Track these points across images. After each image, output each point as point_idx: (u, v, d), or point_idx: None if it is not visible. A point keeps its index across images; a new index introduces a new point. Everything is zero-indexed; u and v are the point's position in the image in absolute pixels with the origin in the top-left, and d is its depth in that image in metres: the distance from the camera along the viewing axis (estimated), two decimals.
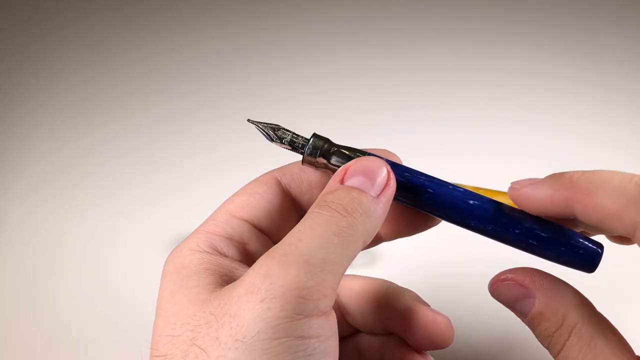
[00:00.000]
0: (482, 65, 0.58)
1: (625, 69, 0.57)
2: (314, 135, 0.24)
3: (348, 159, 0.23)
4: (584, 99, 0.54)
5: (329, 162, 0.24)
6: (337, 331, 0.20)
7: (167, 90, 0.56)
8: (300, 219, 0.21)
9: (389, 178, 0.22)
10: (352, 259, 0.20)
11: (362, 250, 0.22)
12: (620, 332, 0.21)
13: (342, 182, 0.22)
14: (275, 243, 0.20)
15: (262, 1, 0.66)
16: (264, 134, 0.24)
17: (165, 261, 0.22)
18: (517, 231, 0.22)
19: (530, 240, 0.22)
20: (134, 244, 0.42)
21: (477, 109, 0.52)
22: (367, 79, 0.57)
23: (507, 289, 0.23)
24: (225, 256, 0.22)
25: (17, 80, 0.57)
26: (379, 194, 0.21)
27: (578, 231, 0.23)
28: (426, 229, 0.26)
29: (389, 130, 0.51)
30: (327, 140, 0.24)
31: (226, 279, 0.20)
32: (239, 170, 0.43)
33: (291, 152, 0.24)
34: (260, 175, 0.25)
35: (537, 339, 0.22)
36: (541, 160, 0.48)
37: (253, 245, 0.22)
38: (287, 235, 0.20)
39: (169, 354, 0.19)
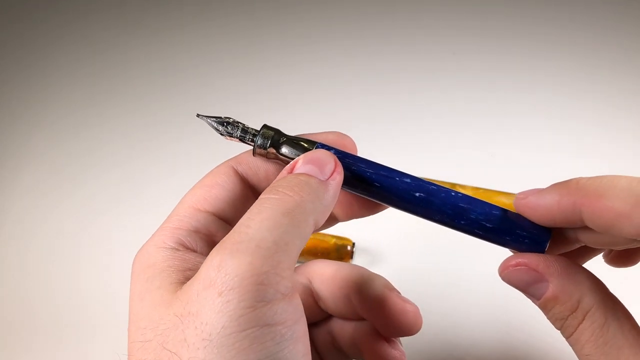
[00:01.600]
0: (482, 63, 0.58)
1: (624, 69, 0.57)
2: (264, 126, 0.24)
3: (298, 148, 0.24)
4: (586, 97, 0.54)
5: (278, 152, 0.24)
6: (303, 314, 0.20)
7: (166, 87, 0.56)
8: None
9: (336, 166, 0.23)
10: (305, 238, 0.20)
11: (318, 231, 0.22)
12: None
13: (291, 172, 0.22)
14: None
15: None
16: (213, 128, 0.24)
17: (133, 260, 0.22)
18: (462, 222, 0.23)
19: (476, 230, 0.23)
20: (133, 240, 0.42)
21: (477, 107, 0.52)
22: (359, 74, 0.57)
23: (519, 274, 0.23)
24: (193, 251, 0.22)
25: (15, 78, 0.57)
26: (327, 178, 0.22)
27: (585, 242, 0.23)
28: (381, 211, 0.26)
29: (381, 128, 0.51)
30: (277, 131, 0.24)
31: (191, 275, 0.20)
32: None
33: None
34: (217, 166, 0.25)
35: (548, 320, 0.22)
36: (545, 157, 0.48)
37: (220, 236, 0.22)
38: (237, 224, 0.20)
39: (143, 359, 0.19)
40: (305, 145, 0.24)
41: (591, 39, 0.61)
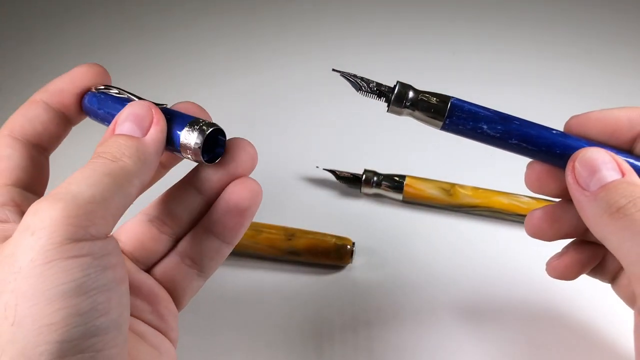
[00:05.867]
0: (482, 63, 0.58)
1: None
2: (399, 82, 0.25)
3: (432, 103, 0.25)
4: (586, 97, 0.54)
5: (416, 107, 0.25)
6: (118, 250, 0.21)
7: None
8: None
9: (155, 116, 0.24)
10: (129, 196, 0.22)
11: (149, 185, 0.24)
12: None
13: (113, 131, 0.24)
14: None
15: None
16: (352, 84, 0.26)
17: None
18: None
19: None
20: None
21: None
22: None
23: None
24: (7, 222, 0.23)
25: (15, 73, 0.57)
26: (146, 133, 0.23)
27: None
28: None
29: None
30: (411, 87, 0.25)
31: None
32: None
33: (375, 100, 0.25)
34: None
35: None
36: None
37: (27, 205, 0.22)
38: (61, 183, 0.21)
39: None
40: (440, 97, 0.25)
41: (592, 40, 0.61)
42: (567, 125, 0.26)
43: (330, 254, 0.39)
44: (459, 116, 0.25)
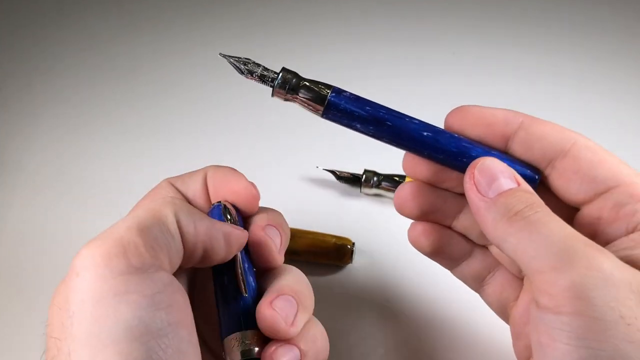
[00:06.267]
0: (482, 61, 0.58)
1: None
2: (283, 69, 0.25)
3: (313, 92, 0.25)
4: (587, 96, 0.54)
5: (297, 94, 0.25)
6: (172, 287, 0.21)
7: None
8: None
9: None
10: (168, 232, 0.22)
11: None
12: None
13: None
14: None
15: None
16: (235, 67, 0.25)
17: None
18: (464, 160, 0.25)
19: None
20: None
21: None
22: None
23: None
24: None
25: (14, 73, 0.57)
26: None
27: None
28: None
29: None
30: (295, 74, 0.26)
31: None
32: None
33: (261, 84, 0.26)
34: (157, 186, 0.28)
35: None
36: None
37: None
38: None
39: (46, 351, 0.20)
40: (322, 87, 0.25)
41: (594, 37, 0.61)
42: (447, 117, 0.27)
43: (330, 254, 0.39)
44: (335, 113, 0.25)
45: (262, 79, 0.25)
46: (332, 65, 0.58)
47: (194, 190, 0.28)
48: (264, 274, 0.27)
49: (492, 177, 0.23)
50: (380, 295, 0.38)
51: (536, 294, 0.21)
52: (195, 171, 0.29)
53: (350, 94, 0.26)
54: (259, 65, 0.25)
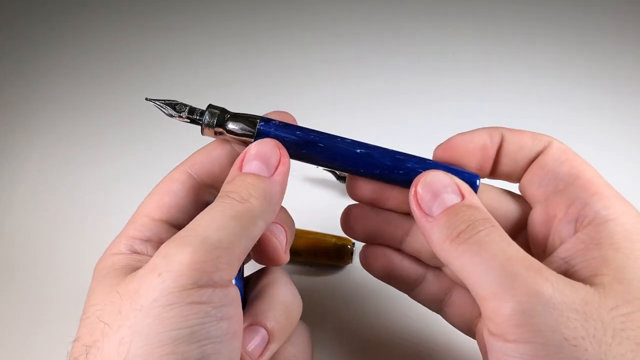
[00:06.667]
0: (482, 63, 0.58)
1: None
2: (210, 105, 0.26)
3: (243, 121, 0.25)
4: (588, 96, 0.54)
5: (225, 128, 0.25)
6: (237, 302, 0.21)
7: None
8: None
9: (282, 156, 0.24)
10: (254, 238, 0.22)
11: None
12: None
13: (240, 168, 0.24)
14: None
15: None
16: (162, 110, 0.26)
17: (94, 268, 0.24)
18: (400, 172, 0.25)
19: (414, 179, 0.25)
20: None
21: (477, 107, 0.52)
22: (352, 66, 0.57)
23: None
24: (144, 255, 0.24)
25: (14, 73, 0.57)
26: (273, 173, 0.24)
27: None
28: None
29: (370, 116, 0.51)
30: (222, 109, 0.26)
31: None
32: None
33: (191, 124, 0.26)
34: (171, 171, 0.26)
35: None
36: None
37: None
38: (189, 223, 0.22)
39: (81, 335, 0.20)
40: (249, 119, 0.25)
41: (594, 39, 0.61)
42: (435, 152, 0.27)
43: (330, 254, 0.39)
44: None
45: (190, 118, 0.25)
46: (332, 65, 0.58)
47: (220, 163, 0.27)
48: (254, 279, 0.27)
49: (435, 193, 0.23)
50: (380, 295, 0.38)
51: (484, 321, 0.21)
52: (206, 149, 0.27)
53: (279, 121, 0.26)
54: (185, 105, 0.26)
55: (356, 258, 0.41)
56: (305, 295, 0.39)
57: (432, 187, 0.23)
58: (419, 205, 0.23)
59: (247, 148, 0.24)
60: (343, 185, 0.45)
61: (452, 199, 0.23)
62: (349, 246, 0.39)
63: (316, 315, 0.37)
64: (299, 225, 0.40)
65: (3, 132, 0.51)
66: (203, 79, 0.57)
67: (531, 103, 0.53)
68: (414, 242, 0.28)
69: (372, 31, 0.62)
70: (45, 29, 0.64)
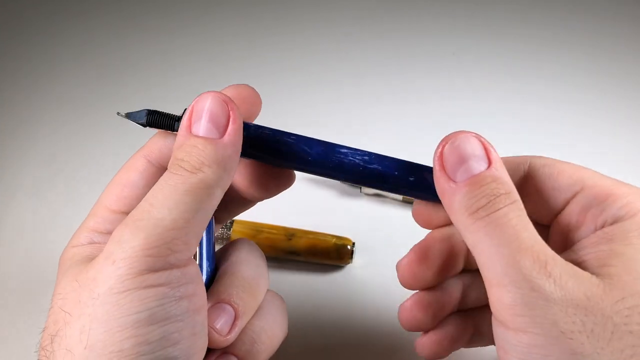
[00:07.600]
0: (482, 64, 0.58)
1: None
2: (148, 111, 0.25)
3: (164, 119, 0.24)
4: (587, 96, 0.54)
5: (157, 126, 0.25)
6: (198, 278, 0.21)
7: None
8: None
9: (231, 113, 0.22)
10: (211, 209, 0.22)
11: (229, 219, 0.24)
12: None
13: (189, 128, 0.22)
14: None
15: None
16: (134, 122, 0.25)
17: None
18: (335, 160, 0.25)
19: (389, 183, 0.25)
20: None
21: (478, 107, 0.52)
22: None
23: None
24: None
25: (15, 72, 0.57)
26: (224, 133, 0.22)
27: None
28: (286, 187, 0.27)
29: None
30: (153, 111, 0.25)
31: None
32: None
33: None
34: (130, 159, 0.26)
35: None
36: None
37: None
38: (142, 201, 0.21)
39: (47, 325, 0.21)
40: (170, 117, 0.25)
41: (595, 39, 0.61)
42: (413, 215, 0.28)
43: (330, 254, 0.39)
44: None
45: (139, 123, 0.25)
46: (331, 65, 0.58)
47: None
48: (219, 257, 0.27)
49: (462, 158, 0.22)
50: (380, 295, 0.38)
51: (490, 305, 0.21)
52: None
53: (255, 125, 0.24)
54: (130, 113, 0.25)
55: (356, 258, 0.41)
56: (305, 295, 0.39)
57: (460, 151, 0.22)
58: (442, 166, 0.22)
59: (192, 103, 0.23)
60: (343, 185, 0.45)
61: (479, 166, 0.21)
62: (349, 246, 0.39)
63: (316, 315, 0.37)
64: (299, 225, 0.41)
65: (3, 132, 0.51)
66: (203, 79, 0.57)
67: (531, 103, 0.53)
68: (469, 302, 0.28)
69: (371, 31, 0.62)
70: (45, 28, 0.64)
